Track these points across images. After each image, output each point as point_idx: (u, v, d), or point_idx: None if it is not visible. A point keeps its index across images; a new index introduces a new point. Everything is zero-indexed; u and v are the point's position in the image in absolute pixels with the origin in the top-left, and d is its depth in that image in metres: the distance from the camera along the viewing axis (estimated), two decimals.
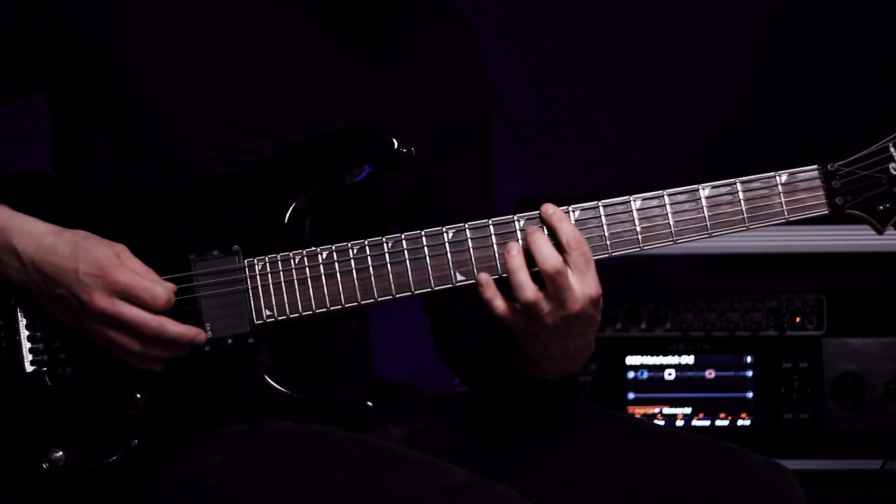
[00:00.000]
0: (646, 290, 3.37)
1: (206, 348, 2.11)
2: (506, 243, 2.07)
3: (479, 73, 2.43)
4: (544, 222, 2.07)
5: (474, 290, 2.09)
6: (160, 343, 2.08)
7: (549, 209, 2.08)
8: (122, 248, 2.09)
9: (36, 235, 2.09)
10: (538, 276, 2.04)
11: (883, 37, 3.97)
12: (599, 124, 4.06)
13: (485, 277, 2.06)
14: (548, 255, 2.03)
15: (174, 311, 2.09)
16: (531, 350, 2.11)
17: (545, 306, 2.04)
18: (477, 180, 2.43)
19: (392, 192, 2.30)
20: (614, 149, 4.01)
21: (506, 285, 2.06)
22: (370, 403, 2.11)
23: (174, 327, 2.08)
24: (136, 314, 2.07)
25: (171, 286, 2.09)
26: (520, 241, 2.08)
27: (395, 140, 2.14)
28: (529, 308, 2.04)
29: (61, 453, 2.10)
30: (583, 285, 2.04)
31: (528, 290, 2.03)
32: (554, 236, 2.06)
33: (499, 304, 2.06)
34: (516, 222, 2.10)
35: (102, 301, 2.06)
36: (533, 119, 4.09)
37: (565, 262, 2.04)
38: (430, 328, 2.45)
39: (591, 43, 4.05)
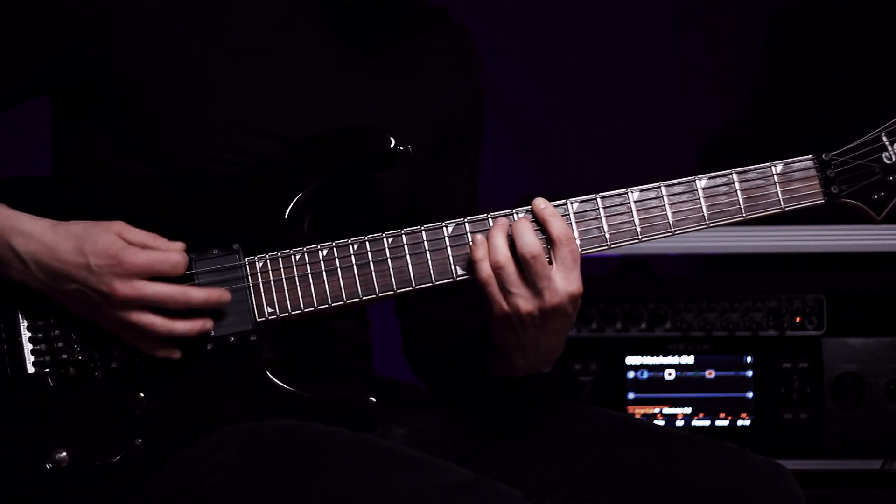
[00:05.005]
0: (646, 290, 3.34)
1: (209, 346, 2.11)
2: None
3: (477, 81, 2.44)
4: (535, 216, 2.09)
5: (472, 285, 2.10)
6: (185, 316, 2.07)
7: (540, 203, 2.10)
8: (120, 226, 2.08)
9: (35, 234, 2.08)
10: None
11: (880, 33, 3.98)
12: (599, 124, 4.06)
13: (479, 238, 2.08)
14: (527, 241, 2.06)
15: (177, 310, 2.09)
16: (504, 340, 2.12)
17: (521, 290, 2.05)
18: (468, 186, 2.44)
19: (391, 195, 2.31)
20: (614, 148, 4.02)
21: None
22: (373, 399, 2.11)
23: (198, 292, 2.08)
24: (158, 289, 2.06)
25: (180, 245, 2.09)
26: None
27: (391, 138, 2.16)
28: (501, 276, 2.06)
29: (65, 454, 2.10)
30: (566, 281, 2.06)
31: (502, 254, 2.06)
32: (544, 231, 2.08)
33: (485, 266, 2.07)
34: (515, 215, 2.11)
35: (124, 287, 2.05)
36: (533, 119, 4.09)
37: (554, 256, 2.06)
38: (400, 331, 2.44)
39: (591, 43, 4.05)
